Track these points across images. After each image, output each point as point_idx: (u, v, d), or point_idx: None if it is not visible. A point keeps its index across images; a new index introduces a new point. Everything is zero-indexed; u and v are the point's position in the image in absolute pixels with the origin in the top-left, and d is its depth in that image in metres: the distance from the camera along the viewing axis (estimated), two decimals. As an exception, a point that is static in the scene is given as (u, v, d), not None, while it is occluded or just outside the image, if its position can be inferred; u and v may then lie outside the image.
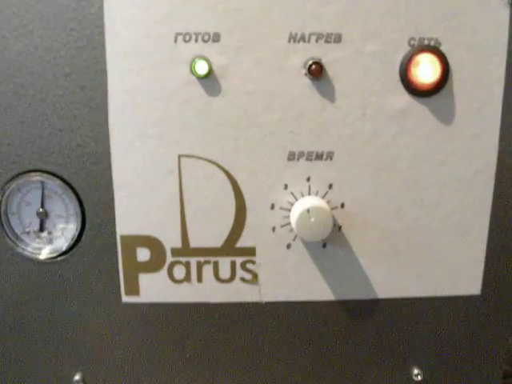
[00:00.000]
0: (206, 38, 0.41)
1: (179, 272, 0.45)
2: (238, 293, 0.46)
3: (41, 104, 0.42)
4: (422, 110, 0.43)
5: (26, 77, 0.42)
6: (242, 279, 0.45)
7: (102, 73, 0.42)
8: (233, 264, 0.45)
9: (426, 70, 0.42)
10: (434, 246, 0.45)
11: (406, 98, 0.43)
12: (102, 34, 0.41)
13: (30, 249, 0.45)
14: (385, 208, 0.44)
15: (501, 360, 0.49)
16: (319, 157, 0.43)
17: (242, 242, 0.44)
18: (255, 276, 0.45)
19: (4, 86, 0.42)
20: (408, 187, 0.44)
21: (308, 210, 0.41)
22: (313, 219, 0.41)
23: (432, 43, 0.42)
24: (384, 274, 0.46)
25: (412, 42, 0.42)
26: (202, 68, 0.41)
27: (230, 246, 0.44)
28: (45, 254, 0.45)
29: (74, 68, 0.42)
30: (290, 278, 0.45)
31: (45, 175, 0.43)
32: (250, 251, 0.45)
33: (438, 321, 0.48)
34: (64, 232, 0.45)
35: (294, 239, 0.44)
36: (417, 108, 0.43)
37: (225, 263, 0.45)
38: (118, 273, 0.45)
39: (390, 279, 0.46)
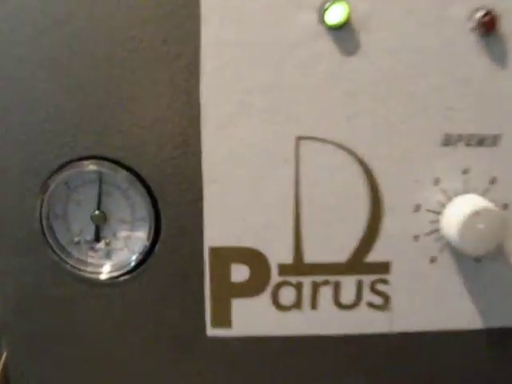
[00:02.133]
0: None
1: (287, 296, 0.34)
2: (363, 322, 0.34)
3: (98, 65, 0.30)
4: None
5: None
6: (370, 304, 0.34)
7: (194, 19, 0.29)
8: (359, 285, 0.34)
9: None
10: None
11: None
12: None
13: (81, 266, 0.33)
14: (560, 210, 0.34)
15: None
16: (481, 142, 0.32)
17: (373, 256, 0.33)
18: (387, 300, 0.34)
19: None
20: None
21: (477, 213, 0.30)
22: (482, 225, 0.31)
23: None
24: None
25: None
26: (335, 15, 0.30)
27: (357, 261, 0.33)
28: (104, 272, 0.33)
29: (151, 16, 0.29)
30: (430, 302, 0.35)
31: (103, 164, 0.31)
32: (384, 267, 0.34)
33: None
34: (128, 243, 0.33)
35: (441, 251, 0.33)
36: None
37: (349, 284, 0.34)
38: (202, 298, 0.33)
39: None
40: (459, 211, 0.31)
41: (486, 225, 0.31)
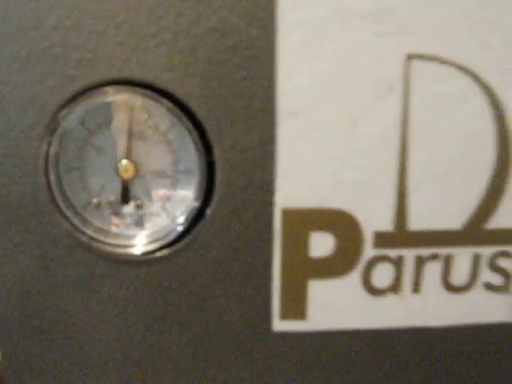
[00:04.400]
0: None
1: (383, 276, 0.25)
2: (476, 309, 0.26)
3: None
4: None
5: None
6: (488, 286, 0.26)
7: None
8: (476, 258, 0.26)
9: None
10: None
11: None
12: None
13: (103, 237, 0.24)
14: None
15: None
16: None
17: (496, 221, 0.25)
18: (509, 278, 0.26)
19: None
20: None
21: None
22: None
23: None
24: None
25: None
26: None
27: (476, 228, 0.25)
28: (139, 245, 0.24)
29: None
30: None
31: (134, 91, 0.22)
32: (509, 236, 0.26)
33: None
34: (168, 205, 0.24)
35: None
36: None
37: (464, 258, 0.26)
38: (270, 280, 0.25)
39: None
40: None
41: None
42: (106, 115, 0.23)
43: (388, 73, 0.23)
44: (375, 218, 0.25)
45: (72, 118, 0.23)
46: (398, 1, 0.22)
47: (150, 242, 0.24)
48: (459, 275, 0.26)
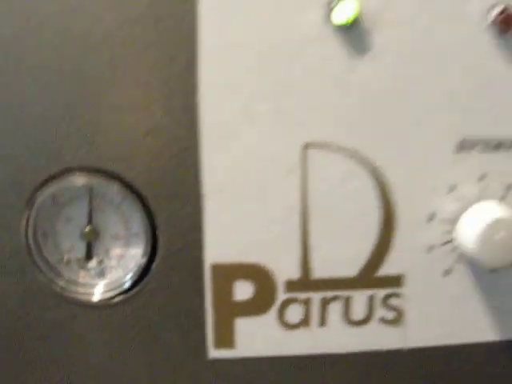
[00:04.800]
0: (350, -34, 0.28)
1: (295, 314, 0.32)
2: (375, 339, 0.33)
3: (88, 70, 0.28)
4: None
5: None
6: (382, 320, 0.33)
7: (191, 21, 0.28)
8: (371, 299, 0.32)
9: None
10: None
11: None
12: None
13: (71, 287, 0.31)
14: None
15: None
16: (498, 146, 0.31)
17: (385, 269, 0.32)
18: (400, 314, 0.33)
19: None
20: None
21: (496, 222, 0.29)
22: (500, 236, 0.29)
23: None
24: None
25: None
26: (345, 12, 0.28)
27: (368, 275, 0.32)
28: (97, 293, 0.31)
29: (144, 17, 0.28)
30: (445, 316, 0.33)
31: (94, 176, 0.29)
32: (397, 281, 0.32)
33: None
34: (122, 260, 0.31)
35: (456, 262, 0.32)
36: None
37: (360, 299, 0.32)
38: (204, 317, 0.32)
39: None
40: (476, 221, 0.30)
41: (504, 235, 0.29)
42: (72, 193, 0.30)
43: (290, 158, 0.30)
44: (285, 268, 0.31)
45: (45, 196, 0.30)
46: (296, 102, 0.29)
47: (109, 290, 0.31)
48: (357, 312, 0.33)
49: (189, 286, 0.31)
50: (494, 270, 0.33)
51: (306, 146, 0.30)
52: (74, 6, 0.27)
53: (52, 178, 0.29)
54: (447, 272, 0.32)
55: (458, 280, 0.33)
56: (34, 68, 0.28)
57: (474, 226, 0.30)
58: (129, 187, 0.30)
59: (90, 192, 0.30)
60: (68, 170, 0.30)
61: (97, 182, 0.30)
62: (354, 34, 0.29)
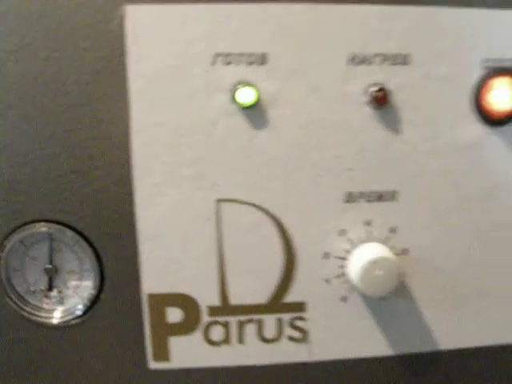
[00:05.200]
0: (252, 59, 0.35)
1: (217, 333, 0.40)
2: (284, 353, 0.41)
3: (47, 141, 0.36)
4: (497, 142, 0.39)
5: (28, 107, 0.35)
6: (290, 338, 0.41)
7: (124, 103, 0.35)
8: (279, 322, 0.40)
9: (501, 96, 0.38)
10: (509, 291, 0.41)
11: (478, 128, 0.38)
12: (122, 55, 0.35)
13: (36, 312, 0.39)
14: (453, 253, 0.40)
15: None
16: (380, 197, 0.38)
17: (290, 297, 0.40)
18: (305, 334, 0.41)
19: (1, 120, 0.35)
20: (480, 229, 0.40)
21: (375, 262, 0.37)
22: (379, 272, 0.37)
23: (510, 65, 0.37)
24: (450, 324, 0.42)
25: (486, 64, 0.37)
26: (246, 96, 0.36)
27: (276, 302, 0.40)
28: (57, 317, 0.39)
29: (89, 97, 0.35)
30: (343, 335, 0.41)
31: (53, 226, 0.37)
32: (300, 307, 0.40)
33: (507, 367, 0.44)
34: (78, 291, 0.39)
35: (350, 291, 0.40)
36: (491, 139, 0.38)
37: (270, 321, 0.40)
38: (143, 337, 0.39)
39: (457, 329, 0.42)
40: (360, 259, 0.37)
41: (383, 271, 0.37)
42: (36, 238, 0.38)
43: (207, 211, 0.37)
44: (207, 298, 0.39)
45: (14, 241, 0.38)
46: (210, 166, 0.37)
47: (66, 315, 0.39)
48: (269, 332, 0.40)
49: (131, 311, 0.39)
50: (383, 298, 0.40)
51: (219, 201, 0.37)
52: None
53: (20, 227, 0.37)
54: (344, 299, 0.40)
55: (353, 306, 0.40)
56: None
57: (358, 264, 0.37)
58: (80, 234, 0.38)
59: (50, 237, 0.38)
60: (33, 221, 0.37)
61: (55, 229, 0.37)
62: (255, 111, 0.36)
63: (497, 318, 0.42)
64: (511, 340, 0.43)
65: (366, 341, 0.41)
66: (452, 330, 0.42)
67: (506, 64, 0.37)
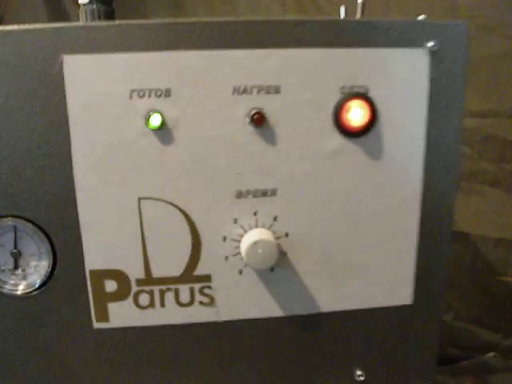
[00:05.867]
0: (159, 93, 0.49)
1: (144, 299, 0.54)
2: (197, 314, 0.55)
3: (11, 157, 0.50)
4: (354, 150, 0.52)
5: (-6, 132, 0.49)
6: (201, 302, 0.55)
7: (65, 127, 0.49)
8: (192, 290, 0.54)
9: (356, 114, 0.51)
10: (368, 264, 0.55)
11: (339, 139, 0.52)
12: (63, 91, 0.49)
13: (5, 286, 0.53)
14: (324, 235, 0.54)
15: (432, 358, 0.60)
16: (264, 194, 0.52)
17: (199, 271, 0.54)
18: (212, 299, 0.55)
19: (-25, 142, 0.50)
20: (343, 216, 0.54)
21: (256, 243, 0.51)
22: (260, 250, 0.51)
23: (361, 90, 0.51)
24: (325, 290, 0.55)
25: (343, 90, 0.51)
26: (155, 120, 0.49)
27: (188, 275, 0.54)
28: (20, 289, 0.53)
29: (39, 124, 0.49)
30: (243, 300, 0.55)
31: (17, 220, 0.52)
32: (207, 278, 0.54)
33: (377, 328, 0.58)
34: (37, 269, 0.53)
35: (245, 266, 0.54)
36: (349, 148, 0.52)
37: (184, 290, 0.54)
38: (88, 303, 0.54)
39: (331, 295, 0.56)
40: (246, 241, 0.51)
41: (262, 250, 0.51)
42: (4, 229, 0.52)
43: (132, 206, 0.52)
44: (135, 272, 0.53)
45: (-12, 232, 0.52)
46: (133, 173, 0.51)
47: (29, 288, 0.53)
48: (184, 298, 0.54)
49: (78, 284, 0.53)
50: (272, 269, 0.54)
51: (140, 199, 0.51)
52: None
53: (-9, 220, 0.52)
54: (240, 272, 0.54)
55: (248, 277, 0.54)
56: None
57: (245, 244, 0.51)
58: (37, 226, 0.52)
59: (15, 228, 0.52)
60: (1, 217, 0.52)
61: (19, 223, 0.52)
62: (163, 131, 0.50)
63: (362, 286, 0.56)
64: (374, 304, 0.57)
65: (261, 304, 0.55)
66: (329, 296, 0.56)
67: (358, 90, 0.51)
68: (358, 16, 0.64)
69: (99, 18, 0.60)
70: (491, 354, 0.94)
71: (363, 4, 0.65)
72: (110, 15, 0.61)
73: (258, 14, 1.11)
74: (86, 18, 0.60)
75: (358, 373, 0.59)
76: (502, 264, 1.00)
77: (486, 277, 1.02)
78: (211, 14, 1.14)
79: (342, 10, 0.67)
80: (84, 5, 0.60)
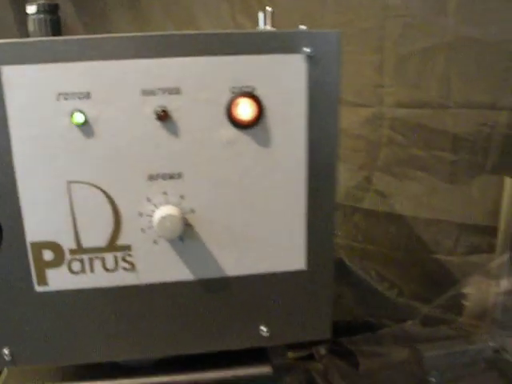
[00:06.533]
0: (81, 96, 0.63)
1: (76, 266, 0.68)
2: (121, 278, 0.69)
3: (-39, 149, 0.64)
4: (245, 139, 0.66)
5: None
6: (124, 268, 0.69)
7: (5, 124, 0.63)
8: (115, 258, 0.68)
9: (244, 110, 0.65)
10: (264, 235, 0.69)
11: (232, 131, 0.65)
12: (2, 95, 0.63)
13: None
14: (224, 210, 0.67)
15: (327, 317, 0.74)
16: (171, 177, 0.66)
17: (120, 242, 0.67)
18: (133, 265, 0.69)
19: None
20: (240, 194, 0.67)
21: (164, 217, 0.65)
22: (168, 223, 0.65)
23: (248, 90, 0.65)
24: (229, 257, 0.69)
25: (233, 90, 0.65)
26: (79, 118, 0.63)
27: (112, 245, 0.67)
28: (-26, 259, 0.68)
29: (-16, 122, 0.63)
30: (159, 266, 0.69)
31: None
32: (127, 248, 0.68)
33: (278, 290, 0.72)
34: (-12, 242, 0.68)
35: (158, 237, 0.68)
36: (241, 138, 0.66)
37: (109, 258, 0.68)
38: (30, 270, 0.68)
39: (234, 261, 0.70)
40: (157, 216, 0.65)
41: (169, 223, 0.65)
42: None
43: (62, 188, 0.66)
44: (68, 243, 0.67)
45: None
46: (63, 161, 0.65)
47: (-19, 257, 0.68)
48: (109, 265, 0.68)
49: (21, 253, 0.67)
50: (181, 239, 0.68)
51: (69, 182, 0.65)
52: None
53: None
54: (155, 242, 0.68)
55: (162, 246, 0.68)
56: None
57: (156, 219, 0.65)
58: (-14, 205, 0.66)
59: (-32, 208, 0.67)
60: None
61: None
62: (86, 127, 0.64)
63: (261, 253, 0.70)
64: (273, 269, 0.70)
65: (174, 270, 0.69)
66: (232, 262, 0.69)
67: (246, 89, 0.65)
68: (266, 24, 0.77)
69: (46, 27, 0.74)
70: (410, 322, 1.08)
71: (272, 13, 0.78)
72: (55, 23, 0.75)
73: (208, 13, 1.25)
74: (34, 27, 0.73)
75: (263, 329, 0.73)
76: (433, 243, 1.14)
77: (421, 255, 1.16)
78: (166, 14, 1.28)
79: (261, 16, 0.80)
80: (32, 14, 0.73)
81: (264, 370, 0.74)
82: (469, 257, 1.12)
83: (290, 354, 1.04)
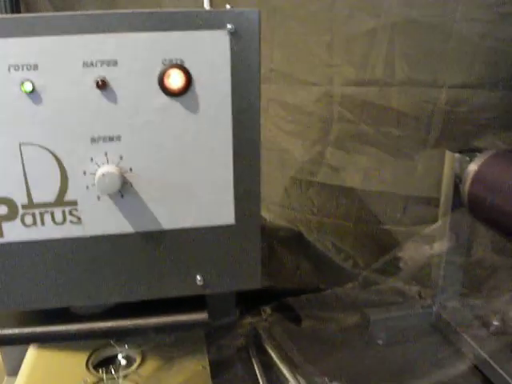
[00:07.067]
0: (29, 67, 0.75)
1: (28, 220, 0.79)
2: (69, 230, 0.81)
3: None
4: (176, 106, 0.77)
5: None
6: (71, 221, 0.80)
7: (-36, 93, 0.75)
8: (63, 212, 0.79)
9: (174, 80, 0.77)
10: (196, 192, 0.80)
11: (164, 99, 0.77)
12: (-39, 67, 0.74)
13: None
14: (160, 169, 0.79)
15: (257, 267, 0.85)
16: (111, 139, 0.78)
17: (67, 197, 0.79)
18: (79, 219, 0.80)
19: None
20: (174, 155, 0.78)
21: (103, 175, 0.76)
22: (107, 180, 0.77)
23: (178, 62, 0.76)
24: (165, 212, 0.81)
25: (165, 62, 0.76)
26: (28, 87, 0.75)
27: (60, 201, 0.79)
28: None
29: None
30: (102, 219, 0.80)
31: None
32: (74, 203, 0.79)
33: (210, 242, 0.83)
34: (-50, 198, 0.79)
35: (101, 194, 0.80)
36: (172, 105, 0.77)
37: (58, 212, 0.79)
38: (-12, 223, 0.80)
39: (170, 216, 0.81)
40: (98, 174, 0.77)
41: (108, 179, 0.76)
42: None
43: (14, 149, 0.77)
44: (20, 199, 0.79)
45: None
46: (14, 125, 0.77)
47: None
48: (58, 218, 0.80)
49: (-20, 208, 0.79)
50: (122, 195, 0.80)
51: (21, 144, 0.77)
52: None
53: None
54: (98, 198, 0.80)
55: (104, 201, 0.80)
56: None
57: (97, 176, 0.77)
58: None
59: None
60: None
61: None
62: (34, 94, 0.76)
63: (194, 208, 0.81)
64: (205, 223, 0.82)
65: (116, 223, 0.81)
66: (168, 216, 0.81)
67: (175, 62, 0.76)
68: (207, 5, 0.89)
69: (5, 6, 0.86)
70: (350, 285, 1.19)
71: (211, -5, 0.90)
72: (15, 3, 0.87)
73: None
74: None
75: (198, 278, 0.84)
76: (382, 214, 1.25)
77: (372, 226, 1.27)
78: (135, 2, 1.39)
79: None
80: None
81: (200, 316, 0.85)
82: (415, 227, 1.23)
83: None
